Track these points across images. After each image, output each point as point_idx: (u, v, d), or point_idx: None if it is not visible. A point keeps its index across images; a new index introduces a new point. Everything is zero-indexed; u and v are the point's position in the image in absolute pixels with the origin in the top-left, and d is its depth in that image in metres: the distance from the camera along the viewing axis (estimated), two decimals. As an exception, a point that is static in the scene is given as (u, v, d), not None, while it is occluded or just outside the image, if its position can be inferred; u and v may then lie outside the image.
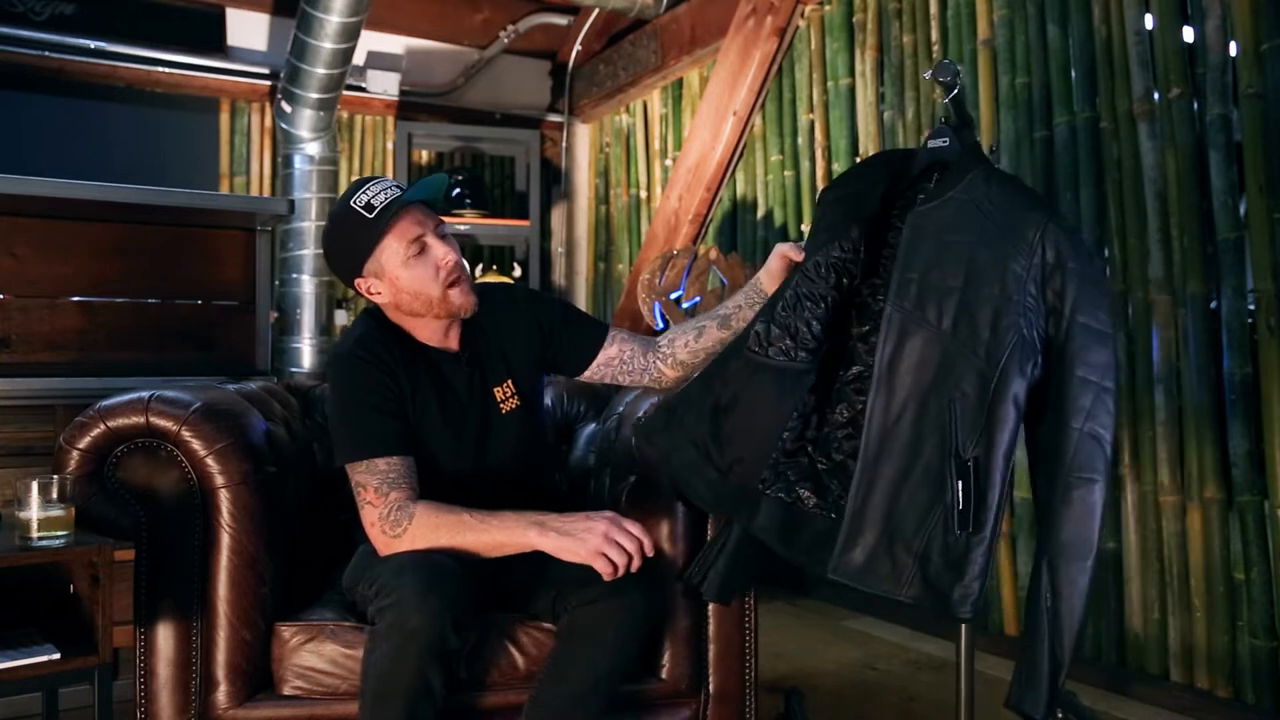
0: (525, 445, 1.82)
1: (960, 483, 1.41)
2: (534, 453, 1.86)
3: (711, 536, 1.77)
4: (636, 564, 1.55)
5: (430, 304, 1.69)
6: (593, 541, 1.53)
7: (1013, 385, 1.43)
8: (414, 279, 1.67)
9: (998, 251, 1.47)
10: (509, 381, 1.80)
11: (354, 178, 4.53)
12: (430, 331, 1.75)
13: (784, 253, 1.75)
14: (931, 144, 1.63)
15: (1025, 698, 1.46)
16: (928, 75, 1.88)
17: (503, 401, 1.79)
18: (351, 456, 1.62)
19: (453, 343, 1.77)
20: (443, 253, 1.68)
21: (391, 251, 1.66)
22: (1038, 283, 1.46)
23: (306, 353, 3.98)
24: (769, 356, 1.60)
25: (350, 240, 1.68)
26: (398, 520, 1.57)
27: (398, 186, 1.68)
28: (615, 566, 1.53)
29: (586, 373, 1.89)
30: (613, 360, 1.87)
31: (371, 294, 1.71)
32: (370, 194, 1.65)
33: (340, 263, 1.73)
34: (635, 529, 1.56)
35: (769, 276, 1.78)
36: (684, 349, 1.85)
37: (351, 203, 1.66)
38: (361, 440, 1.63)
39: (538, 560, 1.72)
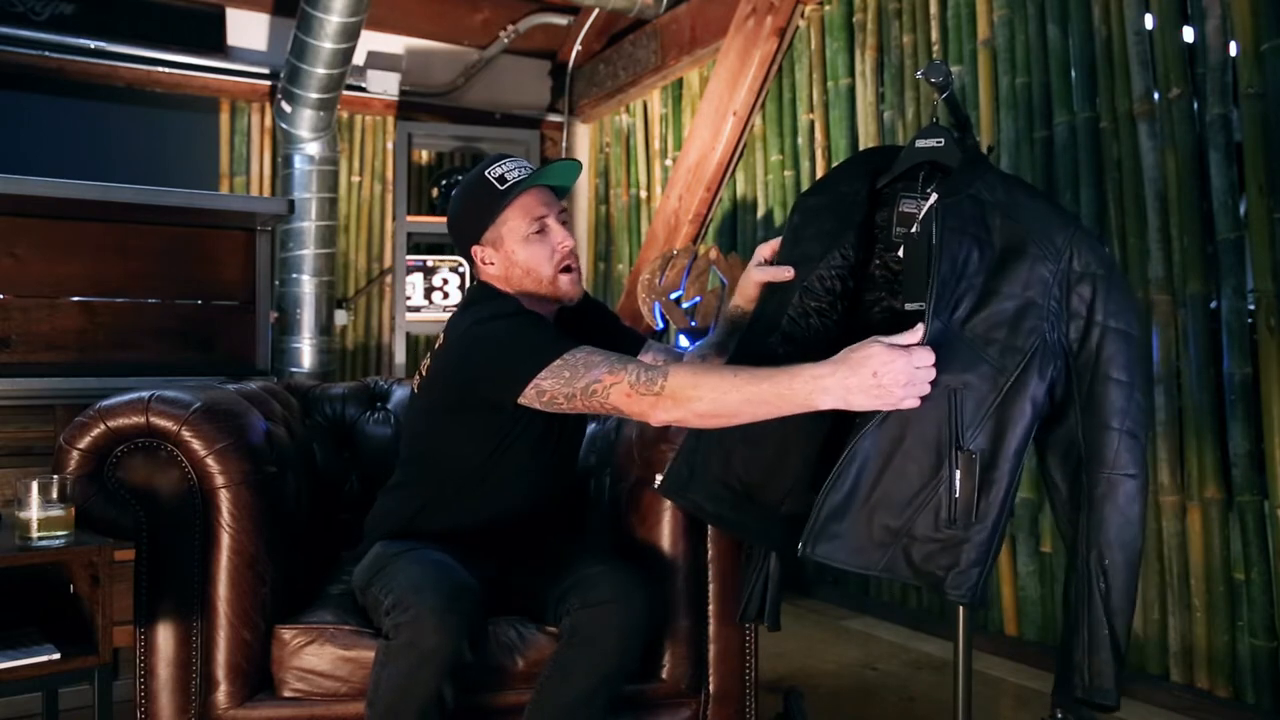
0: (579, 441, 1.90)
1: (959, 473, 1.40)
2: (578, 451, 1.93)
3: (747, 571, 1.74)
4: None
5: (540, 283, 1.72)
6: (894, 397, 1.35)
7: (1031, 386, 1.41)
8: (530, 256, 1.71)
9: (1025, 254, 1.45)
10: None
11: (354, 178, 4.54)
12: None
13: (762, 280, 1.68)
14: (921, 143, 1.59)
15: (1096, 690, 1.45)
16: (919, 75, 1.84)
17: None
18: (551, 357, 1.52)
19: None
20: (561, 237, 1.73)
21: (512, 225, 1.71)
22: (1063, 288, 1.45)
23: (306, 353, 3.99)
24: None
25: (475, 207, 1.74)
26: (651, 379, 1.44)
27: (530, 167, 1.75)
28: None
29: None
30: None
31: (484, 263, 1.76)
32: (505, 168, 1.73)
33: (462, 228, 1.78)
34: (914, 350, 1.35)
35: (748, 302, 1.73)
36: None
37: (486, 173, 1.74)
38: (556, 342, 1.56)
39: (541, 562, 1.73)
